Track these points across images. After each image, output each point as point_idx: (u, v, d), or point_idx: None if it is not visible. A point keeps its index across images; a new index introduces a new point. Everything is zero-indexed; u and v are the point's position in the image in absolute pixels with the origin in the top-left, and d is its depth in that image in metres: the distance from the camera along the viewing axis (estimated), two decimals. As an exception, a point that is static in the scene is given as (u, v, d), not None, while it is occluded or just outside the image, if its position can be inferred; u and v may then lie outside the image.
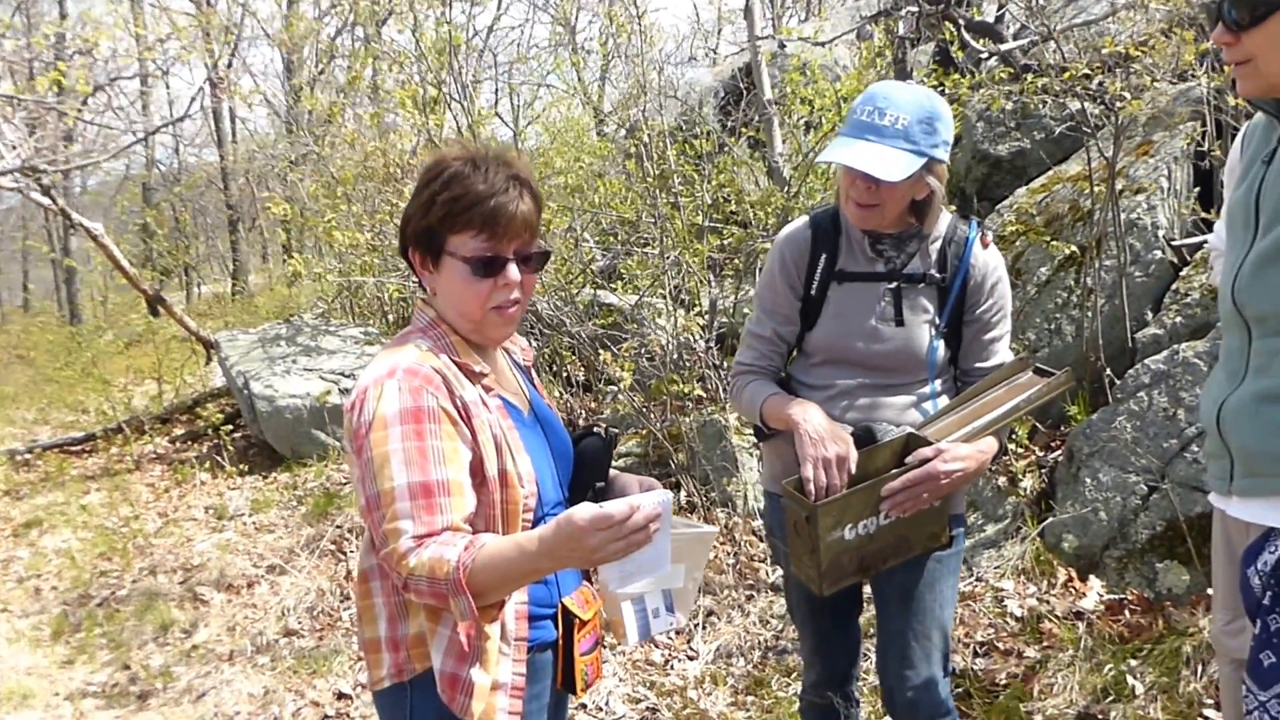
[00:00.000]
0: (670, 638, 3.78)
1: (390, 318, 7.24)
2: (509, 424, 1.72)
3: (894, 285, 2.24)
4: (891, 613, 2.30)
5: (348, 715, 3.66)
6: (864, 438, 2.15)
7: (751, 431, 4.68)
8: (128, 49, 8.66)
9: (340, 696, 3.79)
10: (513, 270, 1.70)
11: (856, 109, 2.15)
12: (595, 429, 1.96)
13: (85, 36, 7.38)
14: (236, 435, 6.99)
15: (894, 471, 2.09)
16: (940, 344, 2.26)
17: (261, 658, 4.19)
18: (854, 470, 2.08)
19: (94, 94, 9.08)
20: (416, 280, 1.82)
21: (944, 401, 2.27)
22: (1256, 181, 1.65)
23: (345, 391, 6.28)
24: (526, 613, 1.72)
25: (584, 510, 1.44)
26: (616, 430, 2.12)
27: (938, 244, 2.26)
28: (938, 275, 2.24)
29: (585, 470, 1.89)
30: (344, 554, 4.89)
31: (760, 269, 5.88)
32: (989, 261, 2.27)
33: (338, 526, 5.11)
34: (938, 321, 2.25)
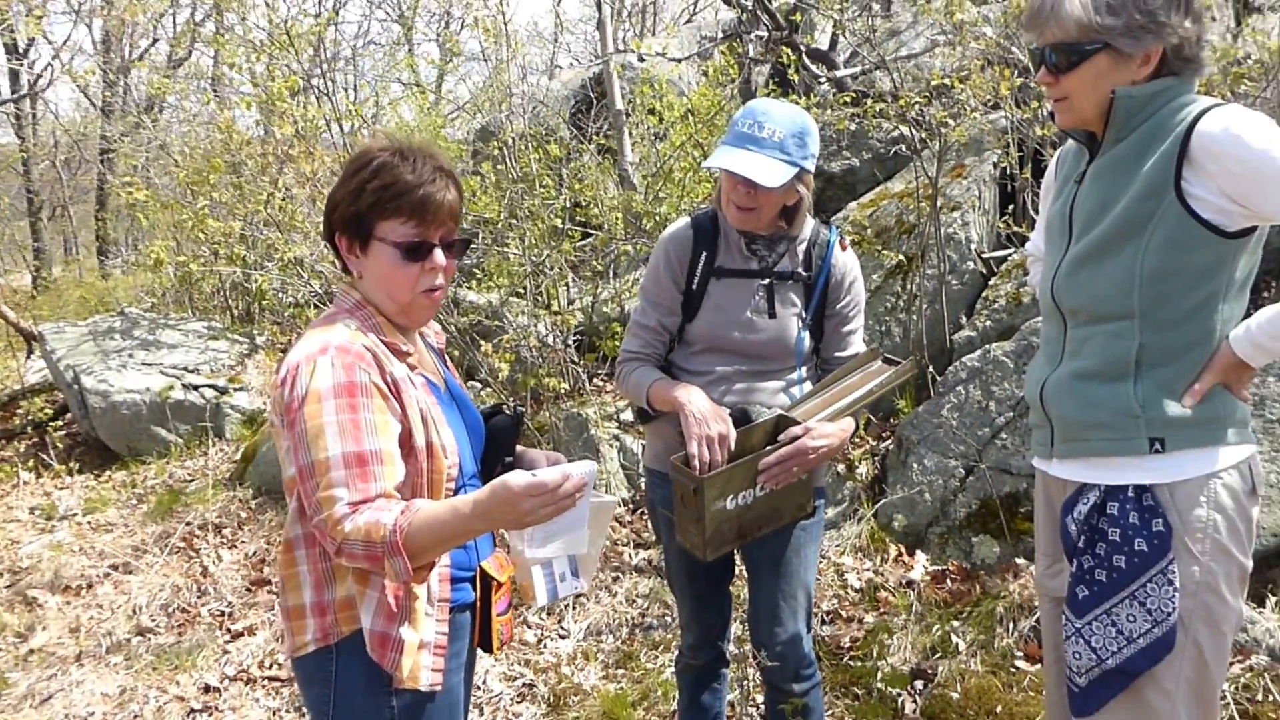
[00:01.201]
0: (542, 619, 3.94)
1: (235, 311, 7.02)
2: (432, 400, 1.84)
3: (767, 281, 2.49)
4: (762, 577, 2.55)
5: (215, 708, 3.61)
6: (740, 418, 2.40)
7: (614, 424, 4.91)
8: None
9: (207, 689, 3.73)
10: (439, 255, 1.82)
11: (738, 121, 2.39)
12: (504, 408, 2.09)
13: None
14: (63, 433, 6.61)
15: (769, 448, 2.35)
16: (806, 335, 2.53)
17: (114, 657, 4.04)
18: (733, 447, 2.33)
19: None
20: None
21: (809, 386, 2.54)
22: (1070, 198, 2.00)
23: (189, 387, 6.11)
24: (449, 575, 1.85)
25: (519, 477, 1.56)
26: (523, 409, 2.25)
27: (804, 246, 2.53)
28: (804, 273, 2.51)
29: (496, 445, 2.03)
30: (196, 551, 4.77)
31: (616, 272, 6.14)
32: (847, 262, 2.57)
33: (187, 524, 4.96)
34: (804, 315, 2.52)
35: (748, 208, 2.40)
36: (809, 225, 2.55)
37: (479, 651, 2.03)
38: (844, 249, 2.57)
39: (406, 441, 1.75)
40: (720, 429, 2.31)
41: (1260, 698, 3.00)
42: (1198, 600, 1.82)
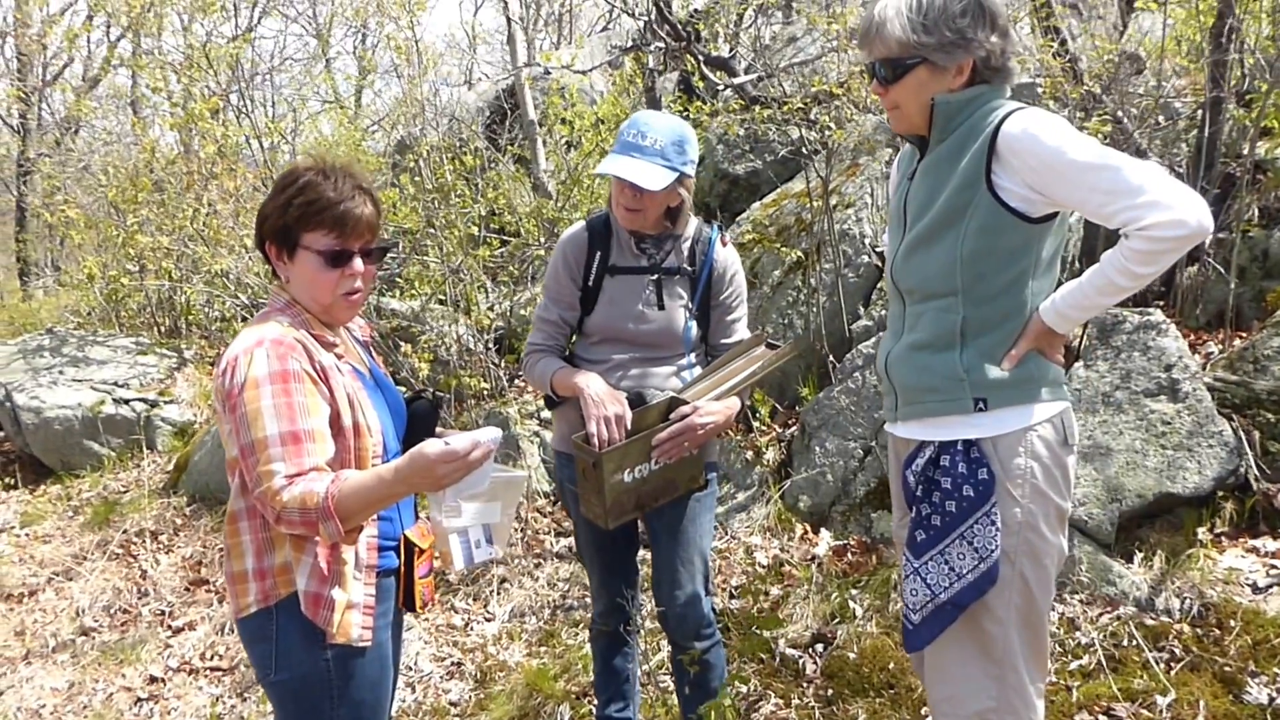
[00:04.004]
0: (469, 604, 4.14)
1: (162, 327, 7.10)
2: (358, 385, 2.08)
3: (655, 277, 2.74)
4: (662, 544, 2.80)
5: (161, 696, 3.79)
6: (636, 400, 2.65)
7: (535, 422, 5.12)
8: None
9: (152, 680, 3.91)
10: (358, 263, 2.06)
11: (624, 132, 2.64)
12: (424, 394, 2.32)
13: None
14: (-6, 450, 6.68)
15: (661, 426, 2.60)
16: (693, 324, 2.78)
17: (61, 655, 4.22)
18: (629, 426, 2.57)
19: None
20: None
21: (697, 371, 2.79)
22: (904, 193, 2.28)
23: (120, 401, 6.24)
24: (376, 544, 2.08)
25: (433, 445, 1.80)
26: (443, 395, 2.48)
27: (688, 243, 2.79)
28: (689, 268, 2.77)
29: (417, 427, 2.26)
30: (134, 556, 4.91)
31: (533, 276, 6.35)
32: (728, 257, 2.83)
33: (124, 531, 5.10)
34: (690, 306, 2.78)
35: (634, 209, 2.65)
36: (692, 224, 2.81)
37: (409, 619, 2.24)
38: (725, 245, 2.83)
39: (335, 422, 1.97)
40: (617, 410, 2.55)
41: (1125, 643, 3.32)
42: (1021, 538, 2.07)
